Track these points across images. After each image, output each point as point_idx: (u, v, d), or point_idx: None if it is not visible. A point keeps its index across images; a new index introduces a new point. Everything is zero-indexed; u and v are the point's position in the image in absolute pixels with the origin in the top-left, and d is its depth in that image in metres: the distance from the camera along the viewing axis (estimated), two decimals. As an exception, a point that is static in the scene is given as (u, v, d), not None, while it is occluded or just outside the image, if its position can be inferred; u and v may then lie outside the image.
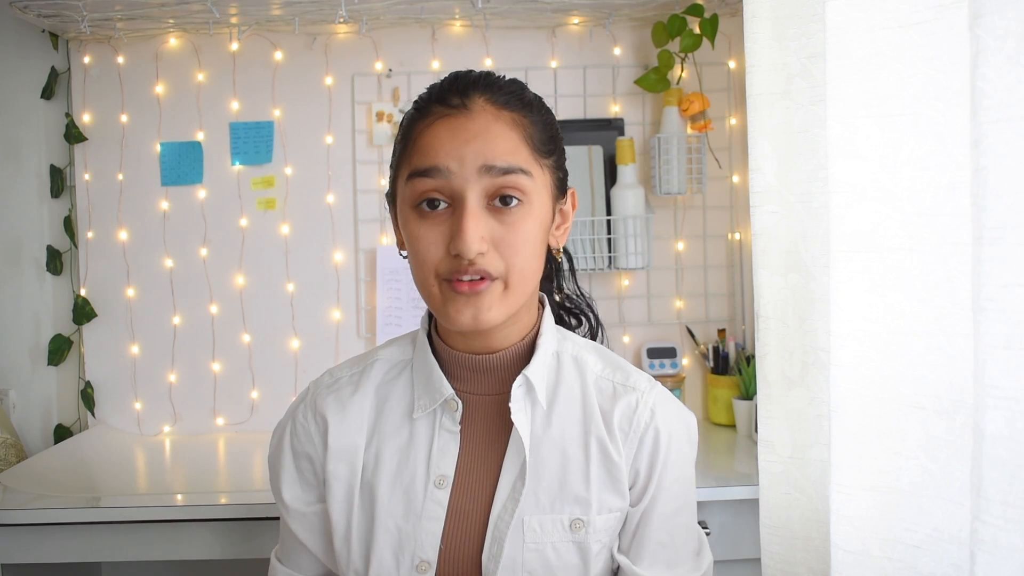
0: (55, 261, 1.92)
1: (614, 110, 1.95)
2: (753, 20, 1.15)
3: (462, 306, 0.83)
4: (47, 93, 1.91)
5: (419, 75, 1.93)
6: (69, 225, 1.92)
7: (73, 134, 1.90)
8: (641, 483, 0.91)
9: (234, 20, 1.87)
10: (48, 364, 1.91)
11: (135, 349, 1.93)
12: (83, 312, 1.90)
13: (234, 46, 1.93)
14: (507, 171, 0.82)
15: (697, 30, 1.81)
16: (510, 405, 0.89)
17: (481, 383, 0.92)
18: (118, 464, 1.72)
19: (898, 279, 0.89)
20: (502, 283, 0.84)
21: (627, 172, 1.87)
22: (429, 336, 0.95)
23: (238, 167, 1.94)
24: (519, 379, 0.90)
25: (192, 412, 1.94)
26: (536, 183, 0.85)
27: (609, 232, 1.89)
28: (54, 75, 1.92)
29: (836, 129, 0.93)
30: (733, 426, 1.82)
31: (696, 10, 1.81)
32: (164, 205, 1.93)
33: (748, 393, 1.76)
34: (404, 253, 0.92)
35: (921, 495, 0.88)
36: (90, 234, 1.93)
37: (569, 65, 1.95)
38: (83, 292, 1.92)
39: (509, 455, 0.90)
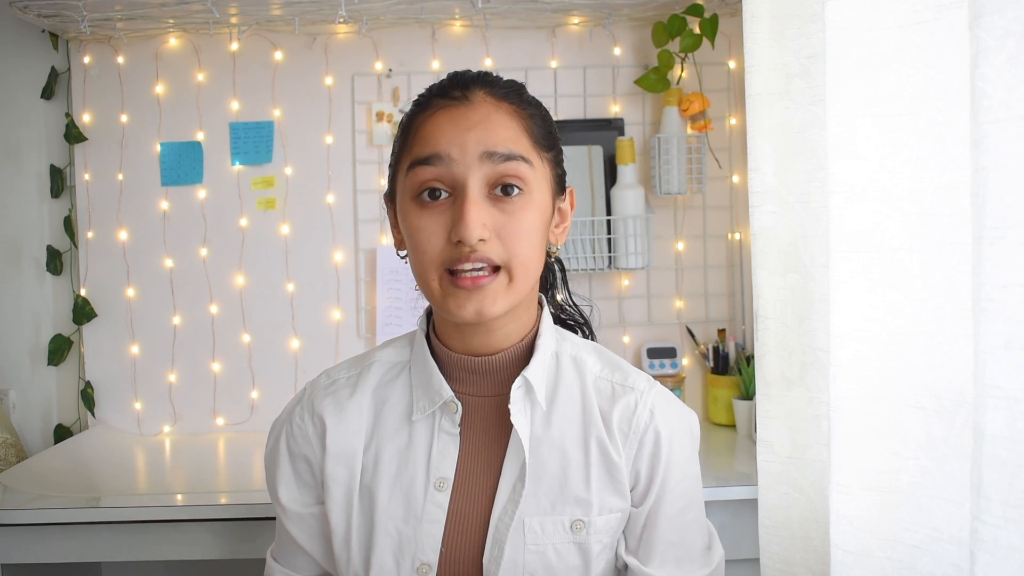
0: (55, 261, 1.92)
1: (614, 110, 1.95)
2: (752, 20, 1.15)
3: (464, 300, 0.83)
4: (47, 93, 1.91)
5: (419, 75, 1.93)
6: (69, 225, 1.92)
7: (73, 134, 1.90)
8: (643, 484, 0.91)
9: (234, 20, 1.87)
10: (48, 364, 1.91)
11: (135, 349, 1.93)
12: (83, 312, 1.90)
13: (234, 46, 1.93)
14: (508, 157, 0.83)
15: (697, 30, 1.81)
16: (509, 407, 0.89)
17: (480, 385, 0.92)
18: (118, 464, 1.72)
19: (898, 279, 0.89)
20: (506, 274, 0.83)
21: (627, 172, 1.87)
22: (427, 337, 0.95)
23: (238, 167, 1.94)
24: (518, 380, 0.89)
25: (192, 412, 1.94)
26: (536, 173, 0.86)
27: (609, 232, 1.89)
28: (54, 75, 1.92)
29: (835, 129, 0.93)
30: (733, 426, 1.82)
31: (696, 10, 1.81)
32: (164, 205, 1.93)
33: (748, 393, 1.76)
34: (402, 253, 0.92)
35: (921, 495, 0.88)
36: (90, 234, 1.93)
37: (569, 65, 1.95)
38: (83, 292, 1.92)
39: (509, 457, 0.90)
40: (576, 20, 1.93)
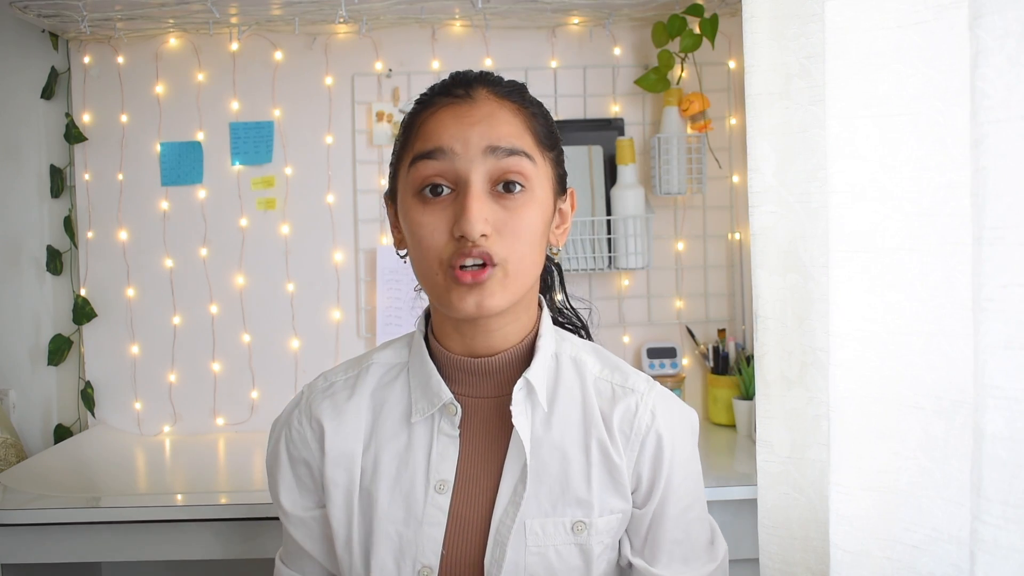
0: (55, 261, 1.92)
1: (614, 110, 1.95)
2: (752, 20, 1.15)
3: (465, 294, 0.82)
4: (47, 93, 1.91)
5: (419, 75, 1.93)
6: (69, 225, 1.92)
7: (73, 134, 1.90)
8: (646, 486, 0.91)
9: (234, 20, 1.87)
10: (48, 364, 1.91)
11: (135, 349, 1.93)
12: (83, 312, 1.90)
13: (234, 46, 1.93)
14: (512, 152, 0.83)
15: (697, 30, 1.81)
16: (511, 408, 0.88)
17: (480, 386, 0.92)
18: (118, 464, 1.72)
19: (897, 279, 0.89)
20: (502, 270, 0.83)
21: (627, 172, 1.87)
22: (426, 339, 0.94)
23: (238, 167, 1.94)
24: (520, 382, 0.89)
25: (192, 412, 1.94)
26: (539, 171, 0.86)
27: (609, 232, 1.89)
28: (54, 75, 1.92)
29: (835, 129, 0.93)
30: (733, 426, 1.82)
31: (696, 10, 1.81)
32: (164, 205, 1.93)
33: (748, 393, 1.76)
34: (402, 253, 0.92)
35: (920, 495, 0.88)
36: (90, 234, 1.93)
37: (569, 65, 1.95)
38: (83, 292, 1.92)
39: (510, 458, 0.89)
40: (576, 20, 1.93)
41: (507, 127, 0.84)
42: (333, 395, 0.95)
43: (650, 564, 0.91)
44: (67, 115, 1.91)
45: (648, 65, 1.93)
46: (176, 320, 1.93)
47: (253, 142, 1.93)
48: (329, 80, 1.94)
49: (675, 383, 1.90)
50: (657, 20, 1.86)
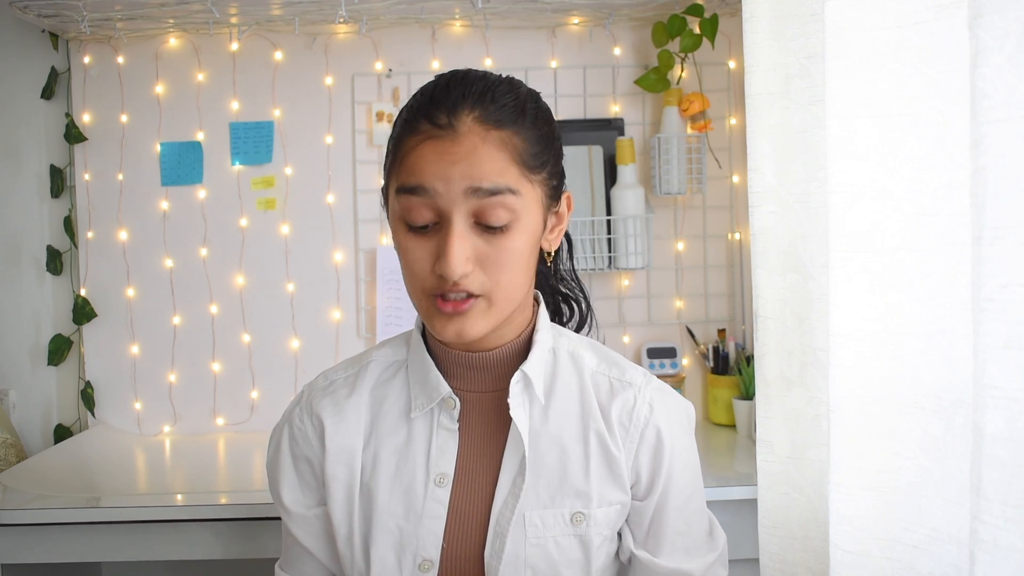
0: (55, 261, 1.92)
1: (614, 110, 1.95)
2: (752, 20, 1.15)
3: (446, 322, 0.84)
4: (47, 93, 1.91)
5: (419, 75, 1.93)
6: (69, 225, 1.92)
7: (73, 134, 1.90)
8: (647, 479, 0.92)
9: (234, 20, 1.87)
10: (48, 364, 1.91)
11: (135, 349, 1.93)
12: (83, 312, 1.90)
13: (234, 46, 1.93)
14: (494, 192, 0.81)
15: (697, 30, 1.81)
16: (508, 401, 0.89)
17: (478, 380, 0.93)
18: (118, 464, 1.72)
19: (897, 279, 0.89)
20: (486, 300, 0.84)
21: (627, 172, 1.87)
22: (424, 334, 0.95)
23: (238, 167, 1.94)
24: (517, 375, 0.90)
25: (192, 412, 1.94)
26: (525, 200, 0.84)
27: (609, 232, 1.89)
28: (54, 75, 1.92)
29: (835, 129, 0.93)
30: (733, 426, 1.82)
31: (696, 10, 1.81)
32: (164, 205, 1.93)
33: (748, 393, 1.76)
34: (398, 255, 0.92)
35: (920, 495, 0.88)
36: (90, 234, 1.93)
37: (569, 65, 1.95)
38: (83, 292, 1.92)
39: (508, 451, 0.90)
40: (576, 20, 1.93)
41: (490, 164, 0.81)
42: (333, 392, 0.96)
43: (654, 556, 0.92)
44: (67, 115, 1.91)
45: (648, 65, 1.93)
46: (176, 320, 1.93)
47: (253, 142, 1.93)
48: (329, 80, 1.94)
49: (675, 383, 1.90)
50: (657, 20, 1.86)
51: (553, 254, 0.96)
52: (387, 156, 0.89)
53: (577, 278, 1.08)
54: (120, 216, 1.93)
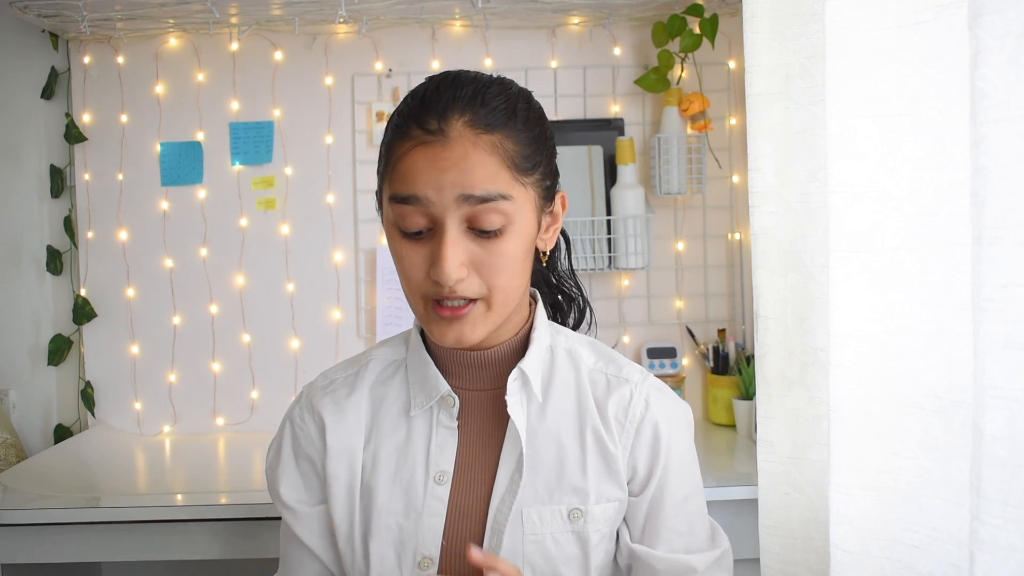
0: (55, 261, 1.92)
1: (614, 110, 1.95)
2: (752, 20, 1.15)
3: (445, 327, 0.84)
4: (47, 93, 1.91)
5: (419, 75, 1.93)
6: (69, 225, 1.92)
7: (73, 134, 1.90)
8: (643, 474, 0.92)
9: (234, 20, 1.87)
10: (48, 364, 1.91)
11: (135, 349, 1.93)
12: (83, 312, 1.90)
13: (234, 46, 1.93)
14: (486, 199, 0.81)
15: (697, 30, 1.81)
16: (506, 398, 0.90)
17: (476, 379, 0.93)
18: (118, 464, 1.72)
19: (897, 279, 0.89)
20: (484, 303, 0.84)
21: (627, 172, 1.87)
22: (422, 333, 0.96)
23: (238, 167, 1.94)
24: (514, 372, 0.90)
25: (192, 412, 1.94)
26: (518, 203, 0.84)
27: (609, 232, 1.89)
28: (54, 75, 1.92)
29: (835, 129, 0.93)
30: (733, 426, 1.82)
31: (696, 10, 1.81)
32: (164, 205, 1.94)
33: (748, 393, 1.76)
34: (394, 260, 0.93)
35: (920, 495, 0.88)
36: (90, 234, 1.93)
37: (569, 65, 1.95)
38: (83, 292, 1.92)
39: (506, 448, 0.91)
40: (576, 20, 1.93)
41: (481, 171, 0.81)
42: (334, 391, 0.96)
43: (651, 549, 0.92)
44: (67, 115, 1.91)
45: (648, 65, 1.93)
46: (176, 320, 1.93)
47: (253, 142, 1.93)
48: (329, 80, 1.94)
49: (675, 383, 1.90)
50: (657, 20, 1.86)
51: (549, 253, 0.96)
52: (379, 160, 0.89)
53: (575, 277, 1.08)
54: (120, 216, 1.93)
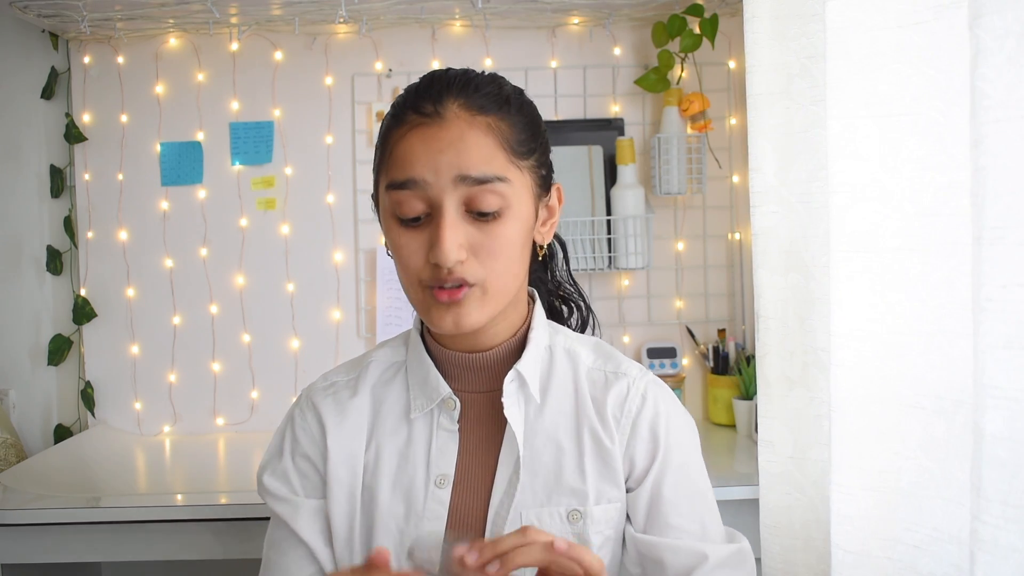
0: (55, 261, 1.92)
1: (614, 110, 1.95)
2: (753, 20, 1.15)
3: (444, 312, 0.84)
4: (47, 93, 1.91)
5: (419, 75, 1.91)
6: (69, 225, 1.92)
7: (73, 134, 1.90)
8: (640, 467, 0.90)
9: (234, 20, 1.87)
10: (48, 364, 1.91)
11: (135, 349, 1.93)
12: (83, 312, 1.90)
13: (234, 46, 1.93)
14: (482, 180, 0.82)
15: (697, 30, 1.81)
16: (503, 400, 0.89)
17: (474, 381, 0.93)
18: (118, 464, 1.72)
19: (898, 279, 0.89)
20: (480, 289, 0.84)
21: (627, 172, 1.87)
22: (422, 335, 0.95)
23: (238, 167, 1.94)
24: (511, 374, 0.90)
25: (192, 412, 1.94)
26: (515, 187, 0.84)
27: (609, 232, 1.89)
28: (54, 75, 1.92)
29: (836, 129, 0.93)
30: (733, 426, 1.82)
31: (696, 10, 1.81)
32: (164, 205, 1.93)
33: (748, 393, 1.76)
34: (391, 253, 0.92)
35: (921, 495, 0.88)
36: (90, 234, 1.93)
37: (569, 65, 1.95)
38: (83, 292, 1.92)
39: (504, 450, 0.90)
40: (576, 20, 1.93)
41: (478, 152, 0.82)
42: (335, 393, 0.96)
43: (659, 537, 0.89)
44: (67, 115, 1.91)
45: (648, 65, 1.93)
46: (176, 320, 1.93)
47: (253, 142, 1.93)
48: (329, 80, 1.94)
49: (675, 383, 1.90)
50: (657, 20, 1.86)
51: (546, 247, 0.95)
52: (376, 155, 0.90)
53: (575, 282, 1.08)
54: (120, 216, 1.93)
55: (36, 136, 1.93)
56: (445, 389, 0.91)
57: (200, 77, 1.93)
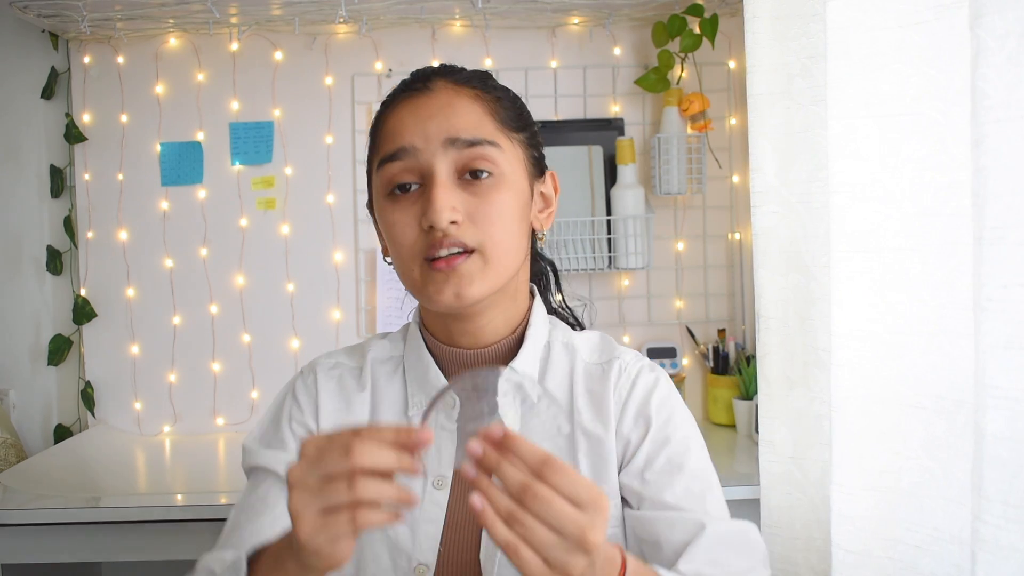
0: (55, 261, 1.92)
1: (614, 110, 1.95)
2: (754, 20, 1.15)
3: (442, 284, 0.81)
4: (47, 93, 1.91)
5: (419, 75, 1.93)
6: (69, 225, 1.92)
7: (73, 134, 1.90)
8: (634, 443, 0.86)
9: (234, 20, 1.87)
10: (48, 364, 1.91)
11: (135, 349, 1.93)
12: (83, 312, 1.90)
13: (234, 46, 1.93)
14: (473, 143, 0.82)
15: (697, 30, 1.81)
16: (497, 399, 0.87)
17: None
18: (118, 464, 1.72)
19: (899, 279, 0.89)
20: (480, 256, 0.81)
21: (627, 172, 1.87)
22: (421, 331, 0.93)
23: (238, 167, 1.94)
24: (507, 372, 0.86)
25: (192, 412, 1.94)
26: (507, 155, 0.84)
27: (609, 232, 1.89)
28: (54, 75, 1.92)
29: (836, 129, 0.93)
30: (733, 426, 1.82)
31: (696, 10, 1.81)
32: (164, 205, 1.93)
33: (748, 393, 1.76)
34: (388, 259, 0.90)
35: (922, 495, 0.88)
36: (90, 234, 1.93)
37: (569, 65, 1.95)
38: (83, 292, 1.92)
39: None
40: (576, 20, 1.93)
41: (466, 116, 0.83)
42: (340, 379, 0.93)
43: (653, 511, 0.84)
44: (67, 115, 1.91)
45: (648, 65, 1.93)
46: (176, 320, 1.93)
47: (253, 142, 1.93)
48: (329, 80, 1.94)
49: (675, 383, 1.89)
50: (657, 20, 1.86)
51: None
52: (369, 148, 0.89)
53: (569, 308, 1.05)
54: (120, 216, 1.93)
55: (36, 136, 1.93)
56: (444, 385, 0.88)
57: (200, 77, 1.93)
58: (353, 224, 1.94)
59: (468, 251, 0.81)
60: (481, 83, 0.86)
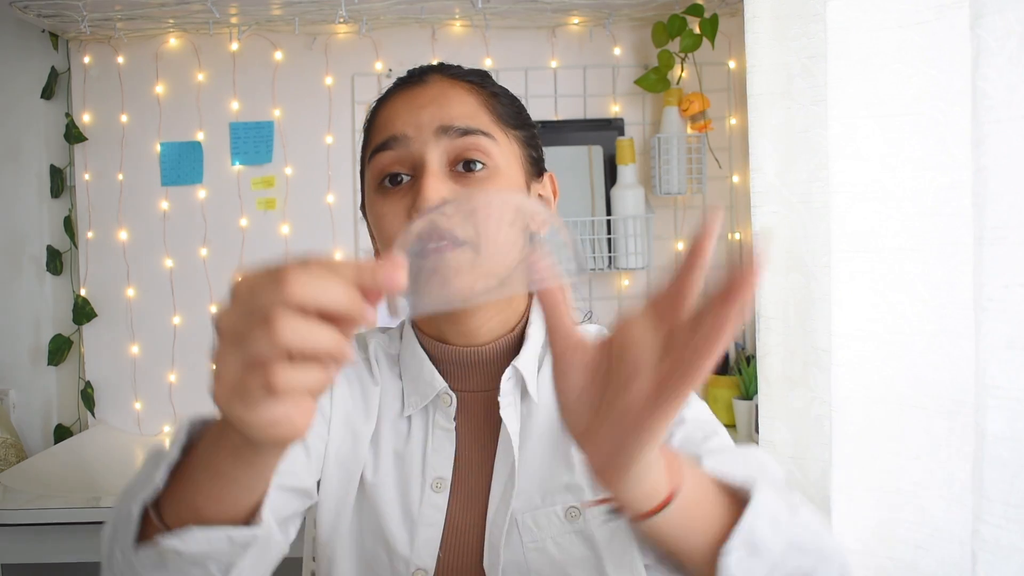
0: (55, 261, 1.92)
1: (614, 110, 1.95)
2: (754, 20, 1.15)
3: (431, 275, 0.75)
4: (47, 93, 1.91)
5: (419, 75, 1.93)
6: (69, 225, 1.92)
7: (73, 134, 1.90)
8: None
9: (234, 20, 1.87)
10: (48, 364, 1.91)
11: (135, 349, 1.93)
12: (83, 312, 1.90)
13: (234, 46, 1.93)
14: (466, 132, 0.79)
15: (697, 30, 1.81)
16: (499, 400, 0.84)
17: (470, 379, 0.87)
18: (118, 464, 1.72)
19: (899, 279, 0.89)
20: (471, 249, 0.74)
21: (627, 172, 1.87)
22: (414, 329, 0.89)
23: (238, 167, 1.94)
24: (508, 371, 0.84)
25: (192, 412, 1.93)
26: (502, 149, 0.81)
27: (609, 232, 1.89)
28: (54, 75, 1.91)
29: (837, 129, 0.93)
30: (733, 426, 1.82)
31: (696, 10, 1.81)
32: (164, 205, 1.93)
33: (748, 393, 1.76)
34: (373, 227, 0.88)
35: (922, 495, 0.88)
36: (90, 234, 1.92)
37: (569, 65, 1.95)
38: (83, 292, 1.92)
39: (499, 455, 0.84)
40: (576, 20, 1.93)
41: (460, 106, 0.80)
42: (355, 363, 0.89)
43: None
44: (67, 115, 1.91)
45: (648, 65, 1.93)
46: (176, 320, 1.93)
47: (253, 142, 1.93)
48: (329, 80, 1.94)
49: (675, 383, 1.90)
50: (657, 20, 1.86)
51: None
52: (362, 144, 0.87)
53: None
54: (120, 216, 1.93)
55: (36, 136, 1.93)
56: (440, 383, 0.85)
57: (200, 77, 1.93)
58: (353, 224, 1.94)
59: (458, 242, 0.76)
60: (478, 79, 0.85)
